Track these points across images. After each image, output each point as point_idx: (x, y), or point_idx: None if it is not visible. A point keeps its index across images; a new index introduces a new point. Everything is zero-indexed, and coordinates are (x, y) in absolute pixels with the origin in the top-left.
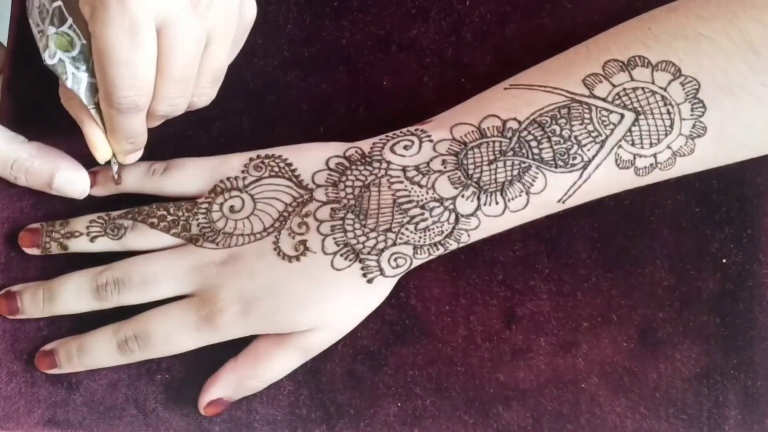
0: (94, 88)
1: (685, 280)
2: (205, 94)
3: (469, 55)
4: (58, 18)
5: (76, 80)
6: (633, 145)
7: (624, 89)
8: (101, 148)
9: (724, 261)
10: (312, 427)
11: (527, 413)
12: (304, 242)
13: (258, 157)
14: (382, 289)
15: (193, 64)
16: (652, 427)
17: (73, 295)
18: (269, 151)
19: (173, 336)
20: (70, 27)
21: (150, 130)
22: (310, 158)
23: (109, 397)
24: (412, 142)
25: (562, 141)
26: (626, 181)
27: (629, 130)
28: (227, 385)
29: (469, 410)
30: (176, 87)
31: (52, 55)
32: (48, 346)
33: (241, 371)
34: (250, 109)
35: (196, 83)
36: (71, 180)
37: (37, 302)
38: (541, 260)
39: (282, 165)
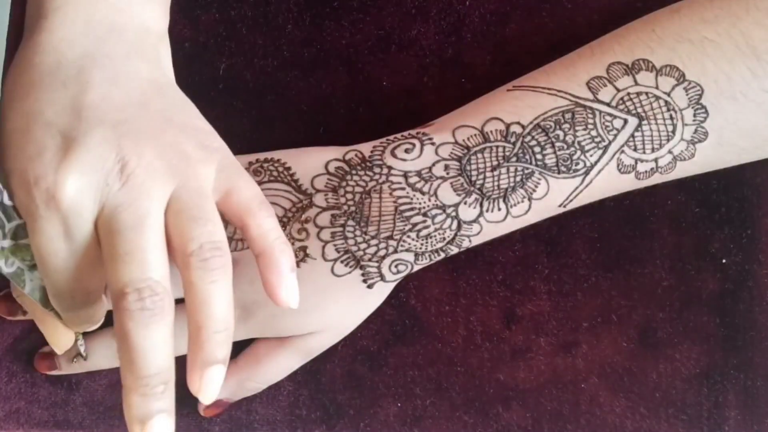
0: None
1: (685, 280)
2: (201, 235)
3: (469, 55)
4: (19, 233)
5: (32, 287)
6: (635, 150)
7: (628, 94)
8: (61, 344)
9: (724, 261)
10: (312, 428)
11: (527, 413)
12: (304, 248)
13: (257, 161)
14: (381, 293)
15: (141, 236)
16: (651, 427)
17: None
18: (268, 155)
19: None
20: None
21: None
22: (309, 162)
23: (109, 397)
24: (414, 145)
25: (565, 147)
26: (626, 184)
27: (632, 135)
28: (227, 387)
29: (469, 410)
30: (138, 266)
31: (10, 264)
32: (47, 348)
33: (241, 373)
34: (250, 110)
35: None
36: None
37: None
38: (541, 260)
39: (281, 169)
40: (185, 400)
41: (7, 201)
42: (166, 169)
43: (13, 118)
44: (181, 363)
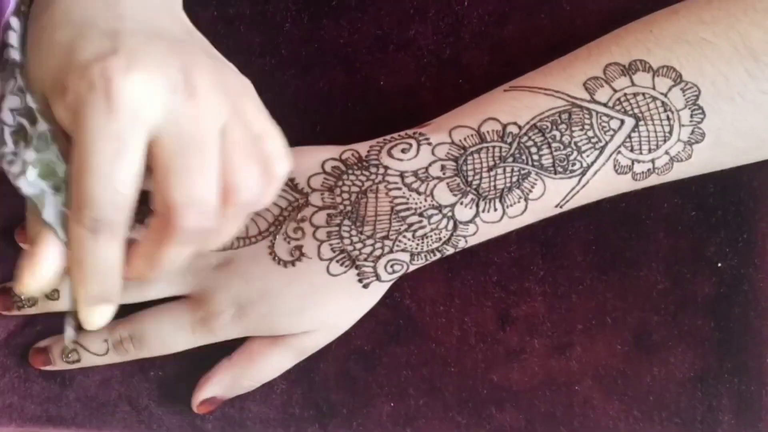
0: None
1: (680, 284)
2: (249, 177)
3: (467, 55)
4: (44, 141)
5: (52, 213)
6: (632, 150)
7: (625, 94)
8: (43, 272)
9: (719, 265)
10: (305, 426)
11: (520, 415)
12: (299, 248)
13: None
14: (377, 293)
15: (209, 153)
16: (645, 430)
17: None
18: None
19: (168, 337)
20: (56, 152)
21: None
22: (306, 161)
23: (102, 393)
24: (410, 145)
25: (562, 147)
26: (623, 185)
27: (629, 136)
28: (221, 384)
29: (462, 411)
30: (200, 185)
31: (32, 183)
32: (42, 343)
33: (235, 370)
34: None
35: (232, 168)
36: None
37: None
38: (536, 262)
39: None
40: (178, 397)
41: (31, 103)
42: (222, 91)
43: (55, 26)
44: (175, 361)
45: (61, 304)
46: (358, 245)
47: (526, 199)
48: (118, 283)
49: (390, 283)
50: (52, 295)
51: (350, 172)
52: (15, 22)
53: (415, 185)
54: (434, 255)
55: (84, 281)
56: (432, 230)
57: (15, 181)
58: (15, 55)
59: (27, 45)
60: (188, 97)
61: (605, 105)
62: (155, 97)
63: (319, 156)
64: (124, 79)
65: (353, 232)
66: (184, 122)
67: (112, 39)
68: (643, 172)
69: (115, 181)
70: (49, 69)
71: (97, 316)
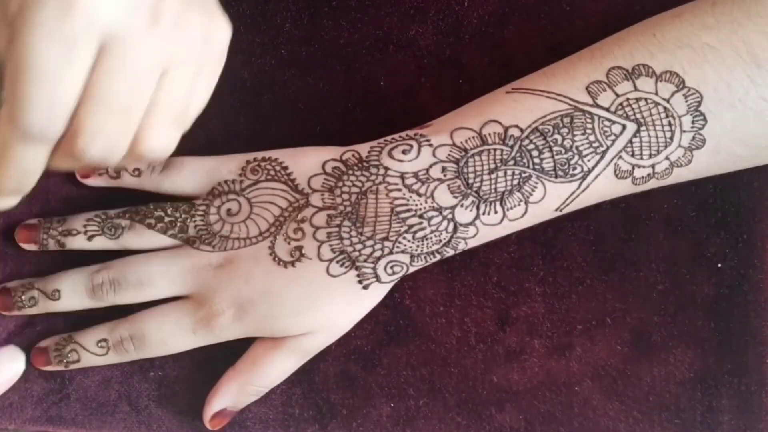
0: None
1: (680, 284)
2: (160, 135)
3: (466, 56)
4: None
5: None
6: (633, 155)
7: (627, 99)
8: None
9: (719, 265)
10: (304, 427)
11: (520, 415)
12: (300, 248)
13: (255, 159)
14: (377, 294)
15: (140, 94)
16: (645, 430)
17: (69, 293)
18: (266, 154)
19: (169, 338)
20: None
21: None
22: (307, 162)
23: (102, 393)
24: (411, 146)
25: (563, 151)
26: (622, 189)
27: (630, 141)
28: (229, 394)
29: (462, 411)
30: (116, 120)
31: None
32: (43, 343)
33: (241, 378)
34: (247, 108)
35: (148, 121)
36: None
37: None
38: (536, 262)
39: (278, 168)
40: (178, 397)
41: None
42: (185, 33)
43: None
44: (175, 361)
45: (62, 304)
46: (358, 246)
47: (526, 203)
48: (34, 180)
49: (390, 285)
50: (53, 295)
51: (351, 172)
52: None
53: (415, 187)
54: (434, 257)
55: (2, 177)
56: (432, 232)
57: None
58: None
59: None
60: (150, 25)
61: (607, 110)
62: (116, 9)
63: (320, 157)
64: None
65: (353, 233)
66: (134, 49)
67: None
68: (642, 177)
69: (59, 89)
70: None
71: (4, 202)
